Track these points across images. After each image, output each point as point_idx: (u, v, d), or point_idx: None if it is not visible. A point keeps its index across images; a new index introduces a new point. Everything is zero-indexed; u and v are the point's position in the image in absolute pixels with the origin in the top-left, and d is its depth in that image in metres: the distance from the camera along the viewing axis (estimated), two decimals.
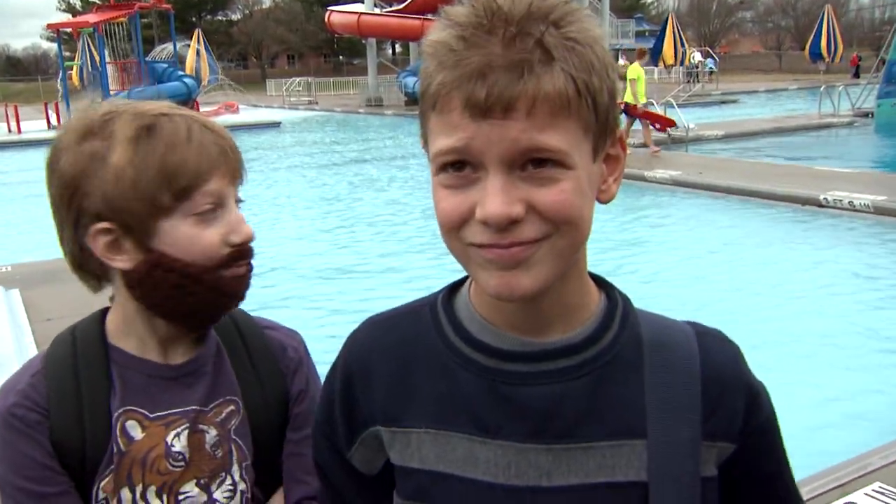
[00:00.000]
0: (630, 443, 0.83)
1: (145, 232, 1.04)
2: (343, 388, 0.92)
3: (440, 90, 0.74)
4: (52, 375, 1.08)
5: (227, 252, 1.07)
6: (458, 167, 0.75)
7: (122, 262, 1.05)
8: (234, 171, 1.09)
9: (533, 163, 0.73)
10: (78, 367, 1.09)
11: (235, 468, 1.14)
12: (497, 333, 0.85)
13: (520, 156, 0.73)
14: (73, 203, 1.04)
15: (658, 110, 14.94)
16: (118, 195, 1.02)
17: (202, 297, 1.07)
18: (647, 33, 45.05)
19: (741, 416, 0.86)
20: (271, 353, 1.21)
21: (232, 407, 1.15)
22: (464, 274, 0.89)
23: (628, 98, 13.46)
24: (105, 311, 1.15)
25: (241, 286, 1.11)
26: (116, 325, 1.13)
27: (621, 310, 0.88)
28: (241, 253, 1.09)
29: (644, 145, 14.05)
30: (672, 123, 14.28)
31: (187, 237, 1.05)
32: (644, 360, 0.85)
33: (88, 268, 1.10)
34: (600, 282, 0.90)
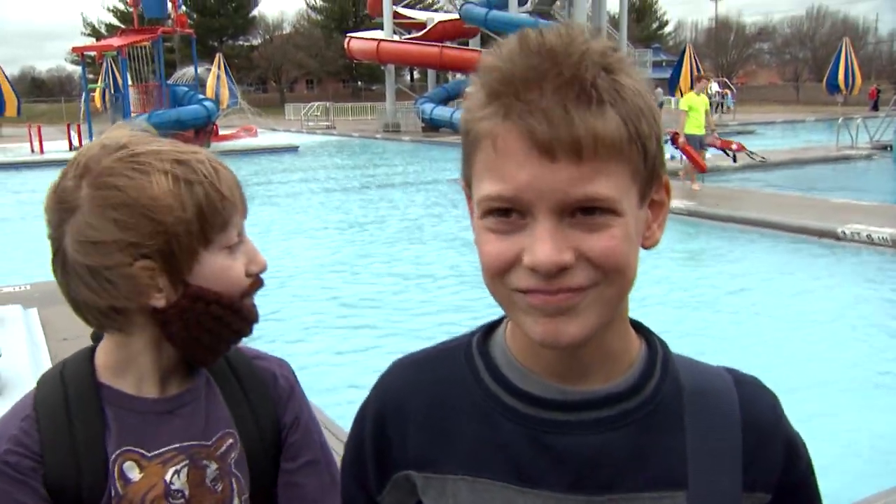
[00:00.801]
0: (671, 494, 0.81)
1: (186, 265, 1.03)
2: (374, 429, 0.91)
3: (489, 131, 0.73)
4: (44, 419, 1.04)
5: (248, 282, 1.10)
6: (504, 213, 0.74)
7: (158, 299, 1.04)
8: (244, 204, 1.12)
9: (583, 210, 0.72)
10: (71, 409, 1.06)
11: (236, 501, 1.12)
12: (536, 381, 0.83)
13: (570, 205, 0.72)
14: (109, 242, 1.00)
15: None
16: (168, 228, 1.00)
17: (236, 326, 1.09)
18: (664, 63, 45.13)
19: (780, 467, 0.85)
20: (262, 383, 1.19)
21: (231, 440, 1.13)
22: (497, 315, 0.88)
23: (690, 129, 13.02)
24: (92, 350, 1.12)
25: (256, 313, 1.13)
26: (111, 364, 1.10)
27: (661, 357, 0.87)
28: (260, 282, 1.12)
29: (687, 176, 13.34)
30: (703, 168, 13.48)
31: (222, 268, 1.06)
32: (685, 409, 0.84)
33: (120, 307, 1.04)
34: (638, 327, 0.89)
